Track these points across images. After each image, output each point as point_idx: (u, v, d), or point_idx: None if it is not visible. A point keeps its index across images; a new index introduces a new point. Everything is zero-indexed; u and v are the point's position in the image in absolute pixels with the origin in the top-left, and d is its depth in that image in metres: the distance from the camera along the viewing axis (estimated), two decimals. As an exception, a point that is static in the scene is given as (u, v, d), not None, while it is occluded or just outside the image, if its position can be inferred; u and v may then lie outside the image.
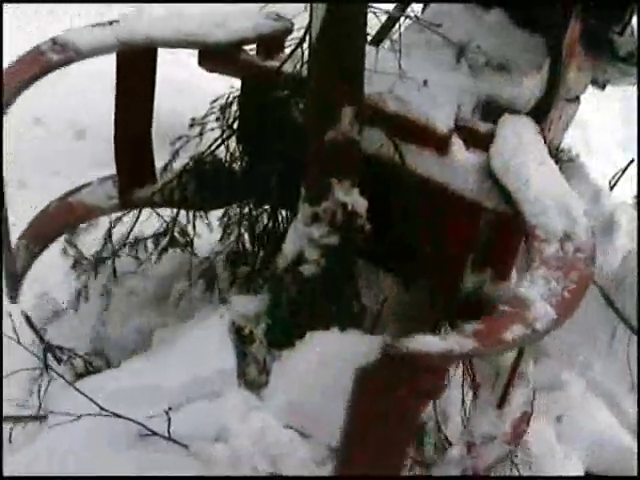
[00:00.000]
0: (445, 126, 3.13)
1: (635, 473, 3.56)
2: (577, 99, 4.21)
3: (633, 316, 3.88)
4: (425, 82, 3.28)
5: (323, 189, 2.98)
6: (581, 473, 3.56)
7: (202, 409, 3.17)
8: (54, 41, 3.18)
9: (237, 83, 3.65)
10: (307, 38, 2.93)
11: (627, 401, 3.81)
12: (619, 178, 5.26)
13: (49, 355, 3.74)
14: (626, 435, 3.69)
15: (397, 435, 2.46)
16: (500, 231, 3.09)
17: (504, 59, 3.58)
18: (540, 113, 3.57)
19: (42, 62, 3.13)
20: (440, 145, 3.08)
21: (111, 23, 3.33)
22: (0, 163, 2.93)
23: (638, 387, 3.77)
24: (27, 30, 6.19)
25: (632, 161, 5.30)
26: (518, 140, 3.05)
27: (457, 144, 3.14)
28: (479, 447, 3.04)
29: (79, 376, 3.66)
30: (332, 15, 2.71)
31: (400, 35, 3.43)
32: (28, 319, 3.79)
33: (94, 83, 5.37)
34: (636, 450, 3.62)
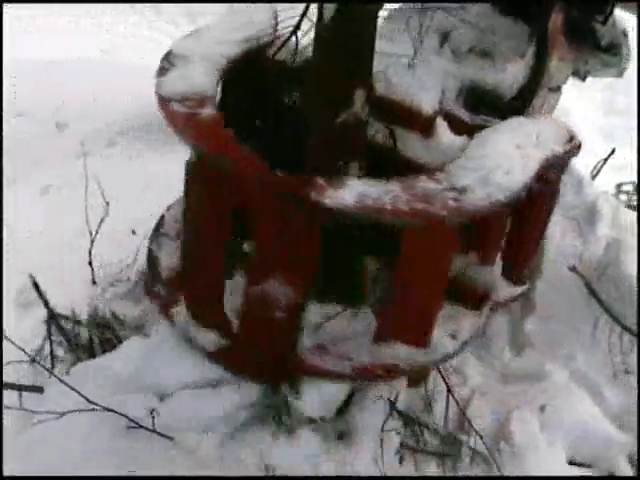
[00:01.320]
0: (430, 107, 3.12)
1: (617, 461, 3.59)
2: (559, 89, 4.20)
3: (615, 305, 3.89)
4: (410, 64, 3.28)
5: (332, 173, 2.97)
6: (564, 462, 3.57)
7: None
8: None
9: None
10: (315, 23, 2.89)
11: (610, 390, 3.81)
12: (601, 167, 5.28)
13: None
14: (609, 424, 3.69)
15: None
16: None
17: (487, 45, 3.57)
18: (523, 100, 3.57)
19: None
20: (425, 127, 3.07)
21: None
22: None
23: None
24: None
25: (613, 151, 5.32)
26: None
27: (442, 126, 3.13)
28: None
29: (83, 348, 3.70)
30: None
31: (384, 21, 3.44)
32: (35, 284, 3.77)
33: (76, 74, 5.38)
34: (619, 439, 3.63)
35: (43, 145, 5.13)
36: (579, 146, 3.16)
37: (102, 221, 4.00)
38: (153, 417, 3.09)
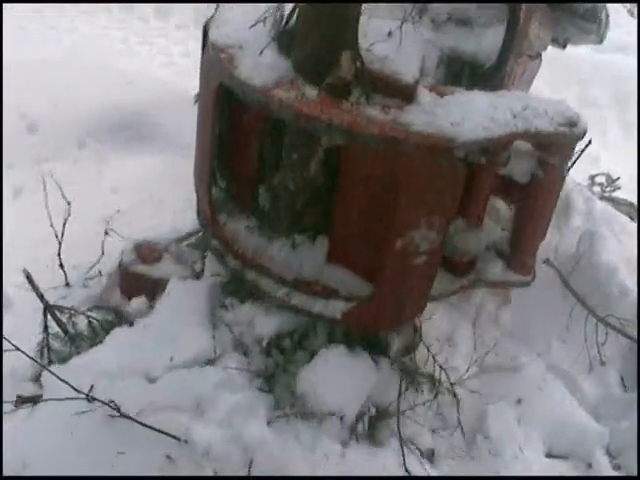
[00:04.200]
0: (411, 76, 3.12)
1: (594, 452, 3.59)
2: (539, 56, 4.17)
3: (590, 296, 3.89)
4: (389, 33, 3.26)
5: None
6: (542, 455, 3.56)
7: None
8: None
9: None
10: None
11: (585, 382, 3.81)
12: (576, 159, 5.27)
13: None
14: (585, 416, 3.69)
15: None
16: (470, 180, 3.07)
17: (466, 14, 3.55)
18: (501, 67, 3.55)
19: None
20: (406, 95, 3.06)
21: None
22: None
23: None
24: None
25: (590, 142, 5.31)
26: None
27: (423, 92, 3.12)
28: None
29: (80, 336, 3.70)
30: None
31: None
32: (29, 278, 3.75)
33: (45, 76, 5.34)
34: (596, 430, 3.64)
35: (14, 148, 5.11)
36: (582, 133, 3.10)
37: (65, 222, 3.99)
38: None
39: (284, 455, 3.15)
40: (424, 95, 2.99)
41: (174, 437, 3.03)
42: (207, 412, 3.18)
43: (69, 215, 4.03)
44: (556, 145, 3.12)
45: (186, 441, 3.05)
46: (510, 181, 3.24)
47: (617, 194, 5.00)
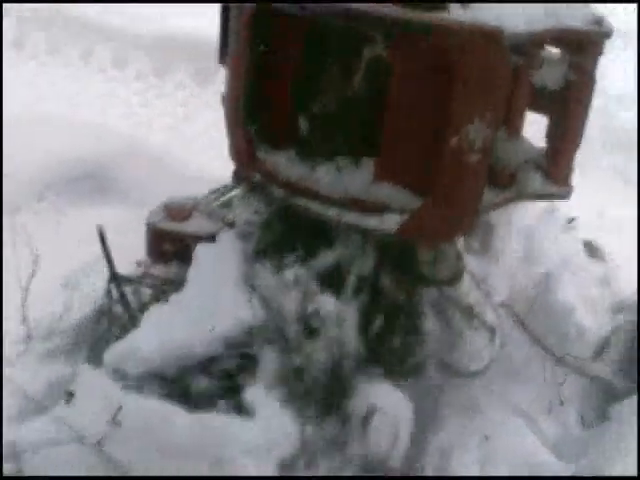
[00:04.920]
0: None
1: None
2: None
3: (546, 336, 3.94)
4: None
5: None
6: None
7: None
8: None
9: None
10: None
11: (545, 422, 3.85)
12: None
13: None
14: (549, 455, 3.73)
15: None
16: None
17: None
18: None
19: None
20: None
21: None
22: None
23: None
24: None
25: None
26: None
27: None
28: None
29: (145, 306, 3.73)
30: None
31: None
32: (102, 237, 3.82)
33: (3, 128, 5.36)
34: (559, 469, 3.67)
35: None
36: (610, 30, 3.18)
37: (32, 276, 3.99)
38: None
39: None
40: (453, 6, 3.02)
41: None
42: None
43: (35, 268, 4.03)
44: (586, 43, 3.25)
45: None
46: (543, 91, 3.35)
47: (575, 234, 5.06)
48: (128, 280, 3.83)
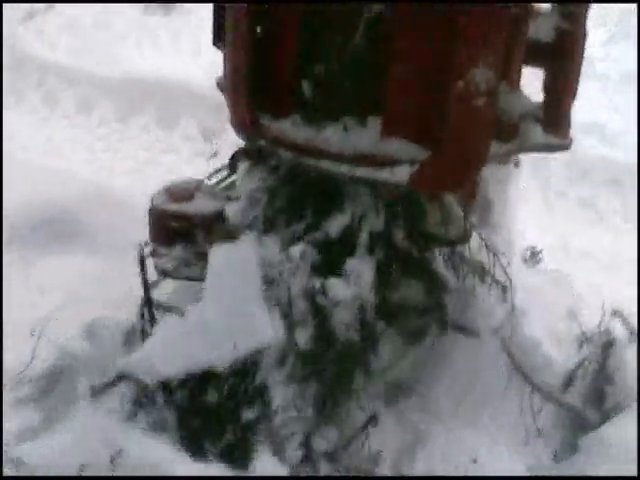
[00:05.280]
0: None
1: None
2: None
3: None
4: None
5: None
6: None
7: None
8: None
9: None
10: None
11: (520, 453, 3.85)
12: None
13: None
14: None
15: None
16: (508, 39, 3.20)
17: None
18: None
19: None
20: None
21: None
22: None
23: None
24: None
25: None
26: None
27: None
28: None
29: None
30: None
31: None
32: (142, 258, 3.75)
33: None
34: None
35: None
36: None
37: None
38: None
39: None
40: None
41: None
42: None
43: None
44: None
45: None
46: (537, 45, 3.41)
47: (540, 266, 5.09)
48: (160, 306, 3.83)
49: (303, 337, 3.29)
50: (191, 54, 8.40)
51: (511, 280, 3.69)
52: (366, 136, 3.26)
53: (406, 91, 3.17)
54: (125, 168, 6.54)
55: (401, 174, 3.18)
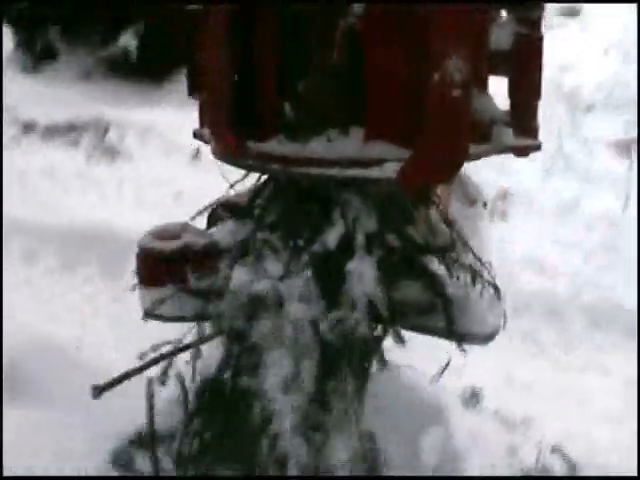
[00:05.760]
0: None
1: None
2: None
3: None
4: None
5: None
6: None
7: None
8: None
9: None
10: None
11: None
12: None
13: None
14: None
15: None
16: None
17: None
18: None
19: None
20: None
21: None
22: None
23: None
24: None
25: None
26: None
27: None
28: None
29: None
30: None
31: None
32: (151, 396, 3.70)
33: None
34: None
35: None
36: None
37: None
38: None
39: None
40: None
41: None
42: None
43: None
44: None
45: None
46: (498, 54, 3.51)
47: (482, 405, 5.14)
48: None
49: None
50: (135, 202, 8.55)
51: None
52: (350, 144, 3.38)
53: (385, 100, 3.31)
54: (71, 319, 6.56)
55: (390, 170, 3.27)
